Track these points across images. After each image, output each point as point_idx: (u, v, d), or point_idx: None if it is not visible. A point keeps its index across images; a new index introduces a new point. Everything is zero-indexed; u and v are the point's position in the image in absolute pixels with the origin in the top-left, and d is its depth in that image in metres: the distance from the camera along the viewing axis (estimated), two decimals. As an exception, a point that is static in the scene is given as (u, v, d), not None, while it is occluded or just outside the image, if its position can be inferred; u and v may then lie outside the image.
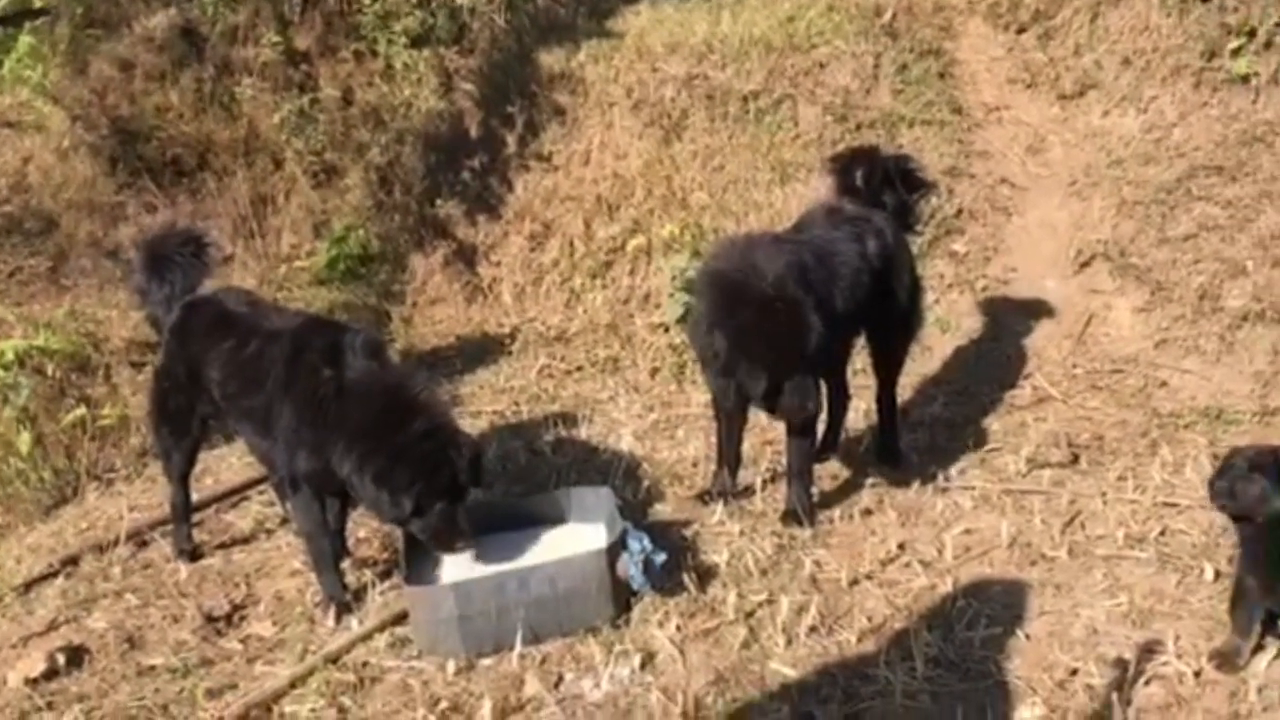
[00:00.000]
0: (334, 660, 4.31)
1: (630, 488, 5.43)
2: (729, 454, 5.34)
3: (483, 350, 7.22)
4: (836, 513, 5.18)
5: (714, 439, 5.43)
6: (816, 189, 7.03)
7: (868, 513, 5.18)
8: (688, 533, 5.02)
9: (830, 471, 5.57)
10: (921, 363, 6.48)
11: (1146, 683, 3.95)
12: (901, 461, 5.60)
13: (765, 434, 5.64)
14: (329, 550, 4.72)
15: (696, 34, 8.20)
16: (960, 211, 7.40)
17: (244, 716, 4.05)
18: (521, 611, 4.29)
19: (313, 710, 4.08)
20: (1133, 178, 7.15)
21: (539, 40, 8.43)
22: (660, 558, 4.49)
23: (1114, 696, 3.84)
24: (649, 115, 7.86)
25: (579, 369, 6.96)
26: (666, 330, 6.94)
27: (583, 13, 8.76)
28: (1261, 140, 6.96)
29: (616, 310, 7.28)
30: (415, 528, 4.43)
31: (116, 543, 5.24)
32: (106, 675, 4.38)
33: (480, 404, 6.56)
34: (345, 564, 4.91)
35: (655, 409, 6.38)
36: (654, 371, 6.80)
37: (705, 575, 4.65)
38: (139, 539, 5.32)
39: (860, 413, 5.91)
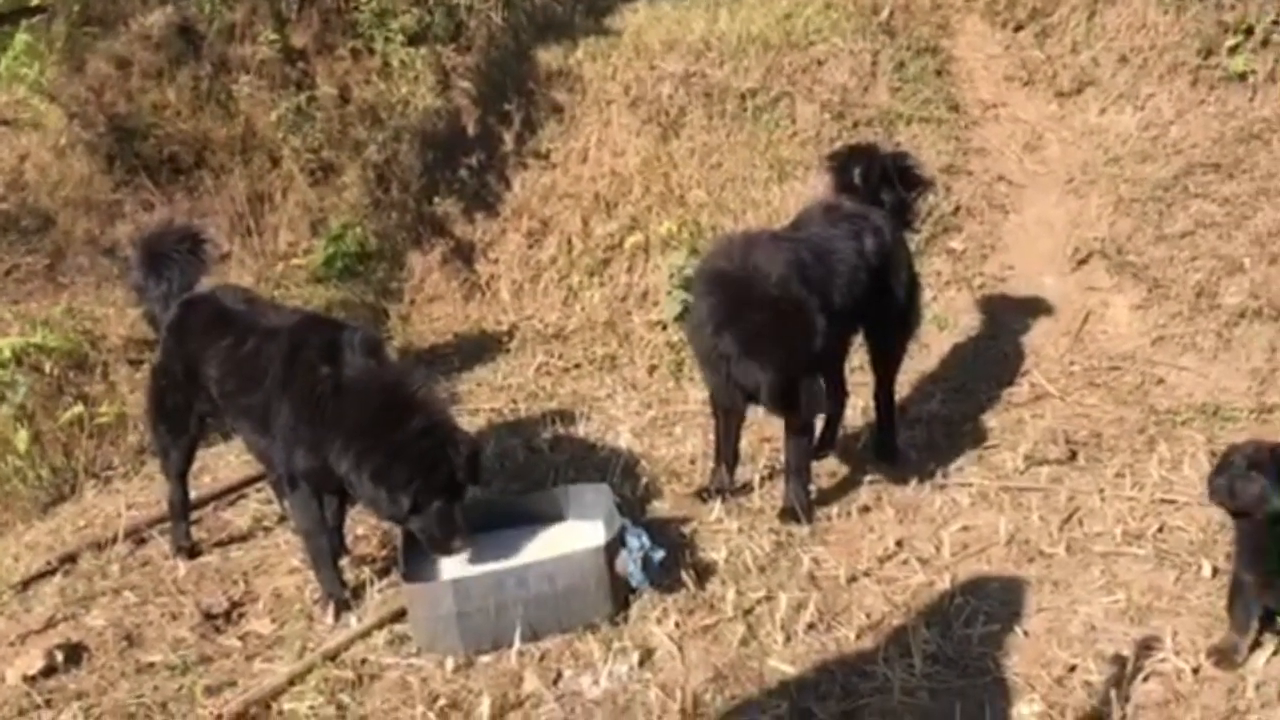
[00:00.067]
0: (333, 657, 4.32)
1: (628, 485, 5.43)
2: (727, 451, 5.34)
3: (480, 348, 7.22)
4: (835, 510, 5.19)
5: (712, 436, 5.44)
6: (814, 186, 7.03)
7: (866, 510, 5.19)
8: (686, 530, 5.02)
9: (828, 469, 5.57)
10: (919, 360, 6.48)
11: (1145, 679, 3.96)
12: (899, 459, 5.60)
13: (763, 431, 5.64)
14: (327, 548, 4.72)
15: (694, 31, 8.19)
16: (958, 209, 7.40)
17: (243, 714, 4.05)
18: (520, 608, 4.30)
19: (311, 707, 4.08)
20: (1130, 175, 7.15)
21: (536, 38, 8.42)
22: (659, 555, 4.49)
23: (1112, 693, 3.85)
24: (647, 113, 7.86)
25: (577, 366, 6.96)
26: (664, 328, 6.95)
27: (580, 10, 8.74)
28: (1258, 138, 6.96)
29: (614, 308, 7.28)
30: (413, 525, 4.43)
31: (115, 540, 5.24)
32: (105, 673, 4.38)
33: (478, 401, 6.56)
34: (344, 561, 4.91)
35: (653, 406, 6.38)
36: (652, 369, 6.80)
37: (704, 572, 4.66)
38: (137, 536, 5.32)
39: (858, 410, 5.91)
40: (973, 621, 4.31)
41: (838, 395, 5.64)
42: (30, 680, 4.31)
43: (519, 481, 5.59)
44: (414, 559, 4.56)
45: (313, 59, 8.14)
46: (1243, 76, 7.22)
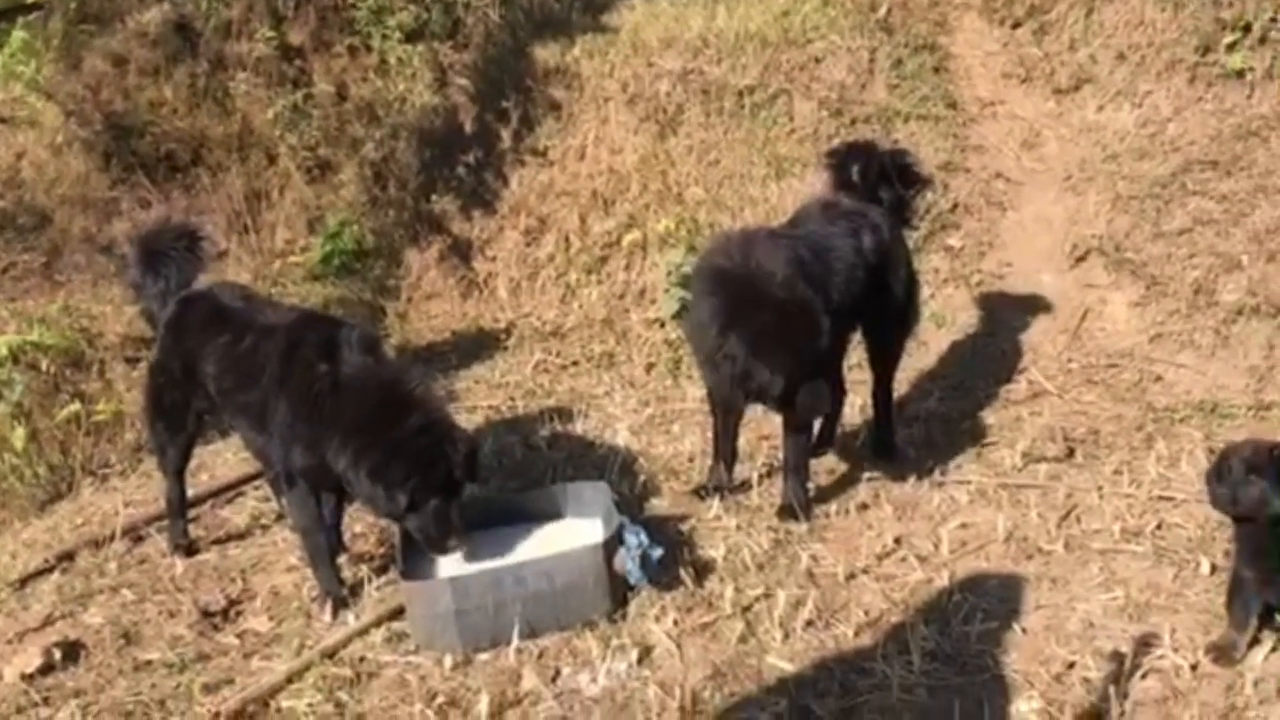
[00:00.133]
0: (331, 655, 4.31)
1: (626, 483, 5.43)
2: (725, 449, 5.34)
3: (478, 345, 7.21)
4: (833, 507, 5.18)
5: (710, 434, 5.44)
6: (812, 184, 7.02)
7: (864, 507, 5.19)
8: (684, 527, 5.02)
9: (826, 466, 5.57)
10: (917, 357, 6.49)
11: (1143, 676, 3.96)
12: (897, 456, 5.60)
13: (761, 429, 5.64)
14: (325, 545, 4.72)
15: (692, 29, 8.19)
16: (956, 206, 7.39)
17: (240, 711, 4.05)
18: (518, 606, 4.29)
19: (309, 705, 4.07)
20: (1128, 172, 7.15)
21: (534, 35, 8.41)
22: (657, 552, 4.49)
23: (1111, 690, 3.85)
24: (644, 110, 7.85)
25: (574, 364, 6.95)
26: (662, 325, 6.94)
27: (577, 7, 8.73)
28: (1256, 135, 6.96)
29: (612, 305, 7.27)
30: (410, 523, 4.42)
31: (112, 538, 5.23)
32: (103, 671, 4.38)
33: (476, 399, 6.56)
34: (342, 559, 4.90)
35: (651, 404, 6.37)
36: (649, 366, 6.80)
37: (702, 570, 4.66)
38: (134, 534, 5.32)
39: (856, 408, 5.91)
40: (971, 618, 4.31)
41: (836, 393, 5.63)
42: (28, 678, 4.31)
43: (517, 479, 5.59)
44: (412, 557, 4.55)
45: (310, 56, 8.13)
46: (1240, 74, 7.21)
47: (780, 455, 5.20)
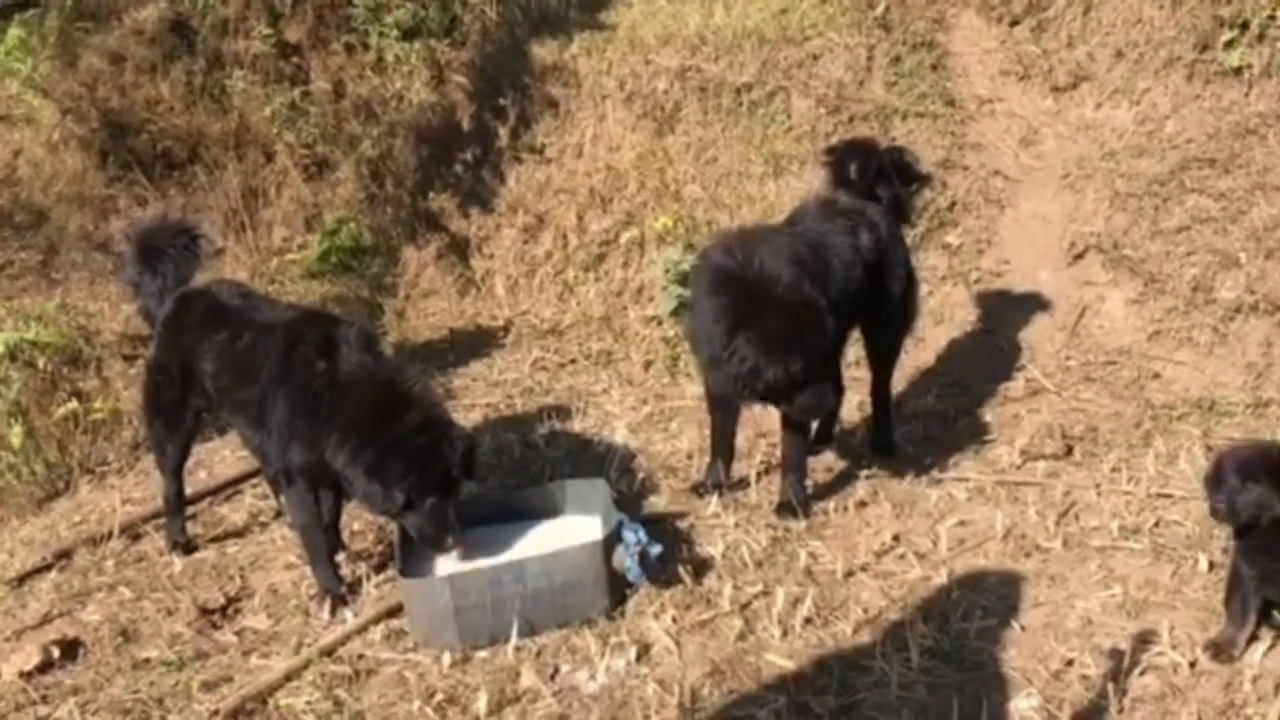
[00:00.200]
0: (329, 653, 4.31)
1: (625, 480, 5.43)
2: (723, 446, 5.34)
3: (476, 343, 7.21)
4: (831, 505, 5.18)
5: (708, 431, 5.43)
6: (810, 181, 7.02)
7: (862, 505, 5.19)
8: (683, 525, 5.02)
9: (825, 464, 5.58)
10: (915, 355, 6.49)
11: (1142, 673, 3.96)
12: (896, 453, 5.60)
13: (760, 426, 5.64)
14: (323, 543, 4.72)
15: (689, 26, 8.19)
16: (953, 204, 7.39)
17: (239, 709, 4.04)
18: (517, 604, 4.29)
19: (308, 703, 4.07)
20: (1126, 170, 7.15)
21: (531, 32, 8.41)
22: (655, 550, 4.48)
23: (1109, 687, 3.85)
24: (642, 108, 7.85)
25: (572, 362, 6.95)
26: (660, 323, 6.93)
27: (575, 5, 8.72)
28: (1254, 132, 6.96)
29: (610, 303, 7.27)
30: (407, 521, 4.42)
31: (110, 536, 5.23)
32: (101, 668, 4.38)
33: (473, 397, 6.55)
34: (340, 557, 4.90)
35: (649, 401, 6.37)
36: (647, 364, 6.79)
37: (700, 567, 4.66)
38: (132, 532, 5.31)
39: (854, 405, 5.90)
40: (970, 616, 4.31)
41: (834, 391, 5.63)
42: (26, 676, 4.31)
43: (515, 477, 5.59)
44: (411, 554, 4.55)
45: (307, 54, 8.12)
46: (1238, 71, 7.21)
47: (778, 453, 5.20)
